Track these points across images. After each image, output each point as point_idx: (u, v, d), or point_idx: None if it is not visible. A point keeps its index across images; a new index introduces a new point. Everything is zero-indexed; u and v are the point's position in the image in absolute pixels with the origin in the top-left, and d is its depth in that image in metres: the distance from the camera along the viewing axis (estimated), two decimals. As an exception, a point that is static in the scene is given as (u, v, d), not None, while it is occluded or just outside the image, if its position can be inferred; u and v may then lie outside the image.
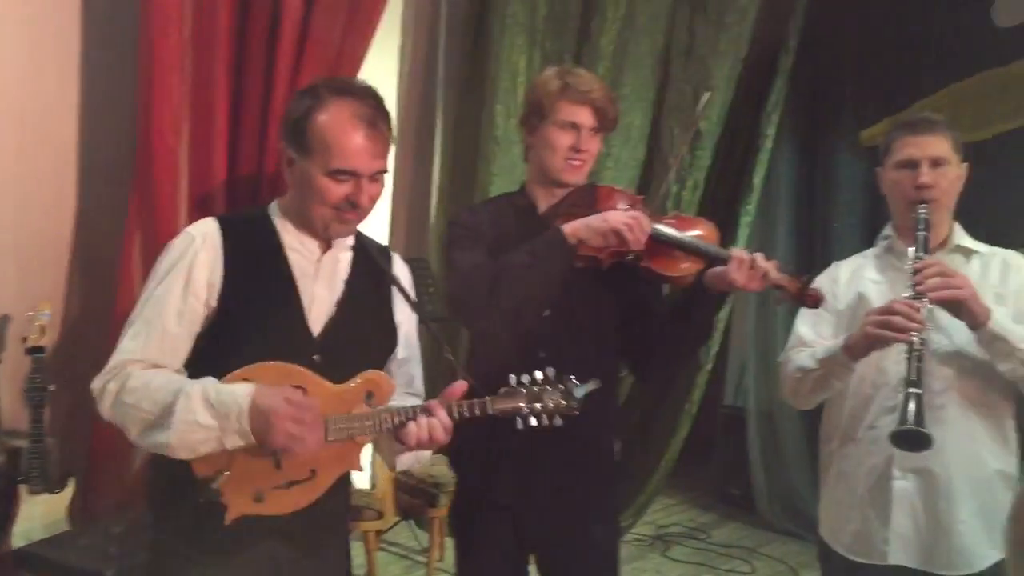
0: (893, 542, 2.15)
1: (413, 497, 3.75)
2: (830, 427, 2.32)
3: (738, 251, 2.03)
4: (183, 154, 2.73)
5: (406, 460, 1.84)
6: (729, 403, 5.73)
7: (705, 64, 4.27)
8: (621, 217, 1.99)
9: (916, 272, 2.04)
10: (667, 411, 4.49)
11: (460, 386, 1.75)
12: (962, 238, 2.23)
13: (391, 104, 4.71)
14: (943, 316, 2.11)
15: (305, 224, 1.78)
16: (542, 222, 2.13)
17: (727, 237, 4.51)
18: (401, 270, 1.96)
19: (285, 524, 1.73)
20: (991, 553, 2.09)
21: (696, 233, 2.11)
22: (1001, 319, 2.02)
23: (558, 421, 1.71)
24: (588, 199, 2.13)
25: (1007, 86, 4.53)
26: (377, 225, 4.49)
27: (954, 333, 2.12)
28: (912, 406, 1.91)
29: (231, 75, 2.79)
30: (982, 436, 2.12)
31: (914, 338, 1.97)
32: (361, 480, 3.79)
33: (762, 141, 4.33)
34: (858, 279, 2.29)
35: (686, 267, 2.07)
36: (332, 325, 1.77)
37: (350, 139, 1.66)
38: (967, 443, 2.11)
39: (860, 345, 2.09)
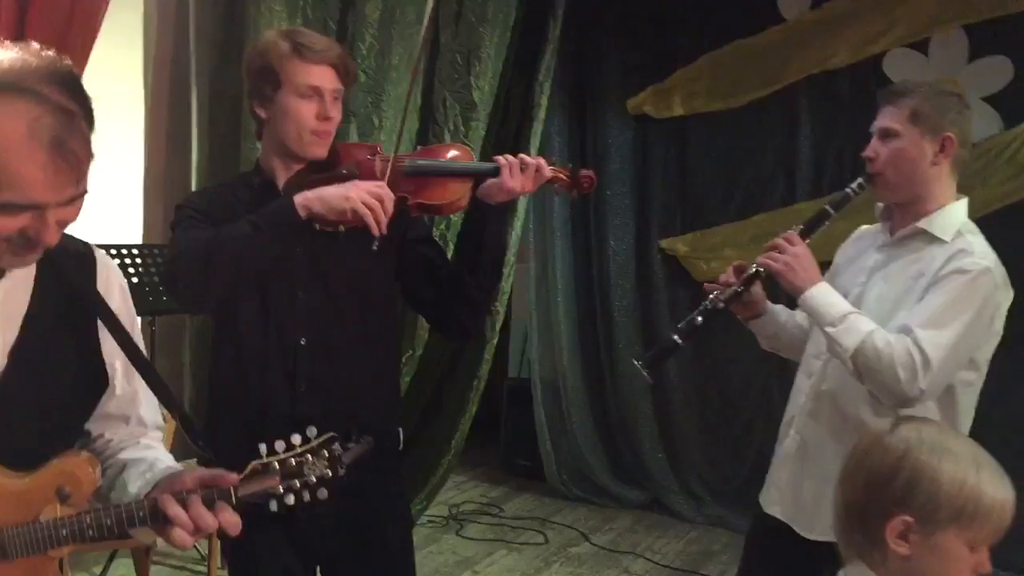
0: (771, 493, 2.24)
1: (188, 504, 3.44)
2: None
3: (503, 157, 1.96)
4: None
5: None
6: (514, 375, 5.75)
7: (475, 31, 4.16)
8: (363, 195, 1.81)
9: None
10: (455, 389, 4.39)
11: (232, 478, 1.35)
12: (931, 222, 2.06)
13: (136, 79, 4.30)
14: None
15: None
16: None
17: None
18: (110, 281, 1.46)
19: None
20: None
21: (452, 155, 2.05)
22: (816, 296, 2.04)
23: (323, 494, 1.39)
24: (329, 162, 1.97)
25: (759, 55, 4.75)
26: (130, 215, 4.11)
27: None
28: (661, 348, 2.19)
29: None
30: (867, 412, 2.09)
31: (712, 293, 2.18)
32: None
33: (535, 111, 4.29)
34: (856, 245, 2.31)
35: (455, 189, 1.98)
36: (4, 383, 1.31)
37: (25, 168, 1.15)
38: (851, 415, 2.11)
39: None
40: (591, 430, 5.20)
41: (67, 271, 1.38)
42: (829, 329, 2.01)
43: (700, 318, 2.14)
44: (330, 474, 1.39)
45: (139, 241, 4.02)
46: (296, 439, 1.39)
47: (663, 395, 5.08)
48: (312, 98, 1.90)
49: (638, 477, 5.14)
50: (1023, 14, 4.13)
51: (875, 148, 2.09)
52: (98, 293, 1.42)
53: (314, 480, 1.38)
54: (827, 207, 2.15)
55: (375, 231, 1.82)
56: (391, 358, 2.12)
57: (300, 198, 1.81)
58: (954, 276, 1.97)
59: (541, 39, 4.29)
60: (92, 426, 1.48)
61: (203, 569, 3.76)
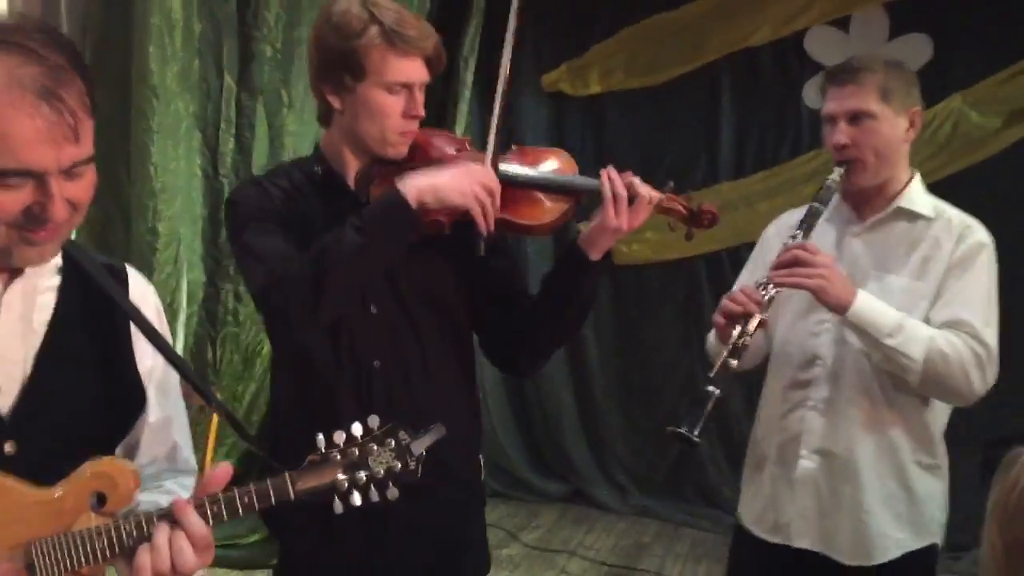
0: (796, 523, 2.00)
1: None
2: (761, 401, 2.15)
3: (609, 184, 1.60)
4: None
5: None
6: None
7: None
8: (477, 188, 1.52)
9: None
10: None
11: (223, 471, 1.20)
12: (911, 200, 1.97)
13: None
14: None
15: None
16: (354, 197, 1.64)
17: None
18: (142, 294, 1.36)
19: None
20: (901, 542, 1.95)
21: (553, 167, 1.70)
22: (865, 308, 1.82)
23: (393, 493, 1.21)
24: (407, 153, 1.67)
25: (679, 31, 4.59)
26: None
27: None
28: (702, 410, 1.75)
29: None
30: (895, 423, 1.95)
31: (734, 331, 1.82)
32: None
33: (460, 88, 3.98)
34: (790, 229, 2.04)
35: (549, 208, 1.65)
36: (29, 393, 1.19)
37: (12, 124, 1.05)
38: (878, 430, 1.95)
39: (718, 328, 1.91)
40: (511, 425, 4.99)
41: (96, 281, 1.27)
42: (889, 341, 1.82)
43: (734, 360, 1.82)
44: (399, 466, 1.23)
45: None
46: (357, 429, 1.23)
47: (584, 384, 4.91)
48: (400, 93, 1.60)
49: (560, 469, 4.97)
50: (942, -8, 4.13)
51: (847, 133, 1.91)
52: (131, 302, 1.31)
53: (381, 474, 1.22)
54: (817, 204, 1.93)
55: (484, 228, 1.53)
56: (470, 378, 1.81)
57: (410, 188, 1.50)
58: (977, 255, 1.91)
59: (464, 9, 3.96)
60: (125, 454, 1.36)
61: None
